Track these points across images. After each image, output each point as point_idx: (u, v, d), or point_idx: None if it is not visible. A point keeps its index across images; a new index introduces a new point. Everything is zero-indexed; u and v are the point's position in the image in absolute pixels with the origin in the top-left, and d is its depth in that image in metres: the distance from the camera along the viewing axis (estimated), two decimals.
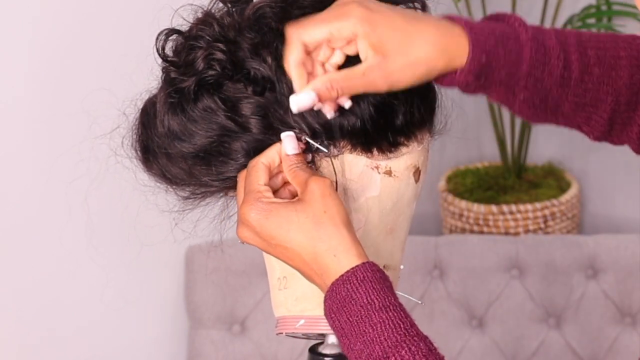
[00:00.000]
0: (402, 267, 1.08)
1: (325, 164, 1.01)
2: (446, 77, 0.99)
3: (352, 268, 0.94)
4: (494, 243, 2.23)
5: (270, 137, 0.99)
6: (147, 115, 1.04)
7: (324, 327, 1.03)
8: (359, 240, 0.96)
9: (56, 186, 1.52)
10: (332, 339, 1.05)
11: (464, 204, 2.51)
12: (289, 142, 0.98)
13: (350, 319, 0.92)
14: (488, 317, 2.21)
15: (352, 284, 0.93)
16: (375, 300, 0.92)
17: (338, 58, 0.96)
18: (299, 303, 1.04)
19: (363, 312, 0.92)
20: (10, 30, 1.85)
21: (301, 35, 0.94)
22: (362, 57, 0.95)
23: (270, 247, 0.97)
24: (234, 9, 1.02)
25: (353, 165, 1.01)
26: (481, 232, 2.49)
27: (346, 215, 0.96)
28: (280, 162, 0.99)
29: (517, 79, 1.00)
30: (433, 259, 2.22)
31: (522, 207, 2.47)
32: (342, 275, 0.93)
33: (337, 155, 1.01)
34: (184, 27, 1.04)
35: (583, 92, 1.03)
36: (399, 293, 1.07)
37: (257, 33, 0.99)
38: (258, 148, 0.99)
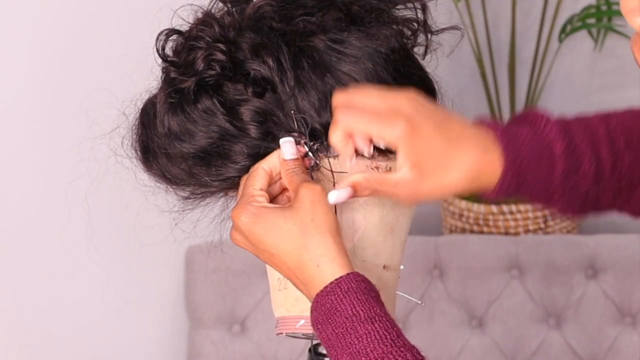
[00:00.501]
0: (402, 267, 1.08)
1: (324, 164, 1.01)
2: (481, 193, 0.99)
3: (336, 279, 0.93)
4: (494, 243, 2.23)
5: (269, 141, 0.99)
6: (147, 116, 1.04)
7: None
8: (345, 249, 0.96)
9: (56, 186, 1.52)
10: None
11: (464, 204, 2.51)
12: (287, 148, 0.98)
13: (335, 330, 0.92)
14: (488, 317, 2.20)
15: (336, 295, 0.92)
16: (361, 312, 0.91)
17: (370, 149, 0.96)
18: (299, 303, 1.04)
19: (348, 324, 0.91)
20: (10, 31, 1.85)
21: (347, 121, 0.94)
22: (397, 164, 0.95)
23: (258, 251, 0.97)
24: (234, 9, 1.02)
25: (353, 166, 1.01)
26: (481, 232, 2.49)
27: (334, 224, 0.95)
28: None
29: (552, 192, 1.00)
30: (433, 259, 2.22)
31: (522, 207, 2.47)
32: (326, 287, 0.93)
33: (337, 156, 1.01)
34: (184, 27, 1.04)
35: (617, 181, 1.03)
36: (399, 293, 1.07)
37: (257, 33, 0.99)
38: (258, 150, 0.99)
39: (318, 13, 0.99)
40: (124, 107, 1.06)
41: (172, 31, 1.03)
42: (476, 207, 2.49)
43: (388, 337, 0.91)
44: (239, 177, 1.01)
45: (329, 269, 0.94)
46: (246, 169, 1.00)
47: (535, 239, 2.26)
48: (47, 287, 1.99)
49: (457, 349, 2.20)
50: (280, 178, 1.00)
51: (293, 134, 0.99)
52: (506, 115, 2.59)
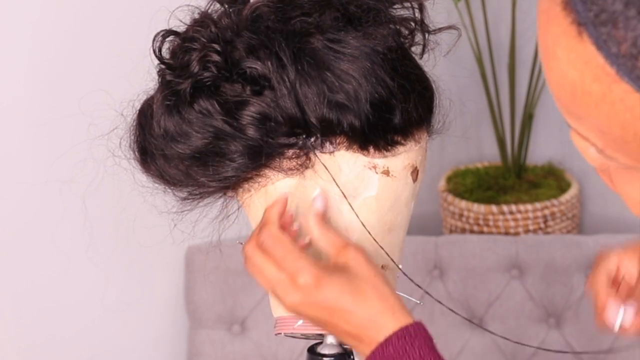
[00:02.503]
0: (400, 267, 1.08)
1: (323, 160, 1.01)
2: None
3: (409, 324, 0.96)
4: (494, 243, 2.23)
5: (267, 140, 0.99)
6: (144, 117, 1.04)
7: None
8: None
9: (55, 188, 1.52)
10: (330, 339, 1.05)
11: (464, 204, 2.51)
12: (320, 200, 1.00)
13: None
14: (488, 317, 2.21)
15: (409, 337, 0.95)
16: (428, 355, 0.94)
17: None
18: None
19: None
20: (9, 32, 1.85)
21: (608, 263, 0.97)
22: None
23: (326, 315, 0.97)
24: (230, 9, 1.02)
25: (351, 165, 1.01)
26: (481, 232, 2.49)
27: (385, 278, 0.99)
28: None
29: None
30: (433, 259, 2.22)
31: (522, 207, 2.47)
32: (400, 329, 0.95)
33: (333, 152, 1.01)
34: (182, 28, 1.04)
35: None
36: (398, 293, 1.07)
37: (254, 34, 0.99)
38: (255, 149, 0.99)
39: (315, 13, 0.99)
40: (122, 108, 1.06)
41: (168, 32, 1.03)
42: (476, 207, 2.49)
43: None
44: (236, 177, 1.01)
45: (402, 316, 0.96)
46: (243, 168, 1.00)
47: (535, 239, 2.26)
48: (47, 288, 1.99)
49: (457, 349, 2.20)
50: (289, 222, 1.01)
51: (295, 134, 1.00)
52: (506, 115, 2.59)
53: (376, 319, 0.96)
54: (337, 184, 1.01)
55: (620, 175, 0.74)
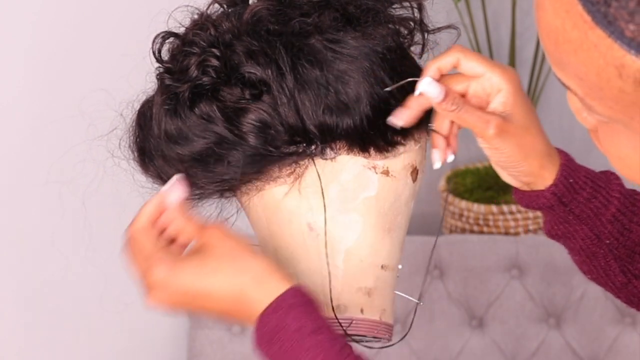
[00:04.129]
0: (400, 267, 1.08)
1: (324, 165, 1.01)
2: (528, 197, 1.03)
3: (281, 295, 0.93)
4: (494, 243, 2.23)
5: (267, 148, 0.99)
6: (144, 117, 1.04)
7: None
8: (277, 262, 0.96)
9: (54, 188, 1.51)
10: None
11: (464, 204, 2.50)
12: (175, 191, 0.98)
13: (282, 347, 0.92)
14: (488, 317, 2.20)
15: (282, 311, 0.92)
16: (308, 324, 0.92)
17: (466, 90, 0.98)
18: None
19: (295, 338, 0.91)
20: (8, 32, 1.85)
21: (460, 52, 0.98)
22: (493, 104, 0.97)
23: (188, 301, 0.95)
24: (230, 10, 1.02)
25: (350, 165, 1.01)
26: (481, 232, 2.49)
27: (249, 246, 0.96)
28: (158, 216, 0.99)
29: (604, 222, 1.02)
30: (433, 259, 2.22)
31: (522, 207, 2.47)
32: (272, 304, 0.93)
33: (333, 158, 1.01)
34: (182, 29, 1.04)
35: None
36: (398, 293, 1.07)
37: (254, 38, 0.99)
38: (255, 156, 0.99)
39: (314, 14, 0.99)
40: (122, 108, 1.06)
41: (168, 34, 1.03)
42: (476, 207, 2.49)
43: (336, 347, 0.92)
44: (236, 180, 1.01)
45: (271, 284, 0.94)
46: (242, 173, 1.00)
47: (535, 239, 2.26)
48: (46, 288, 1.99)
49: (457, 349, 2.20)
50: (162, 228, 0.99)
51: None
52: None
53: (241, 296, 0.94)
54: (336, 185, 1.01)
55: (604, 134, 0.78)
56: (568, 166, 1.02)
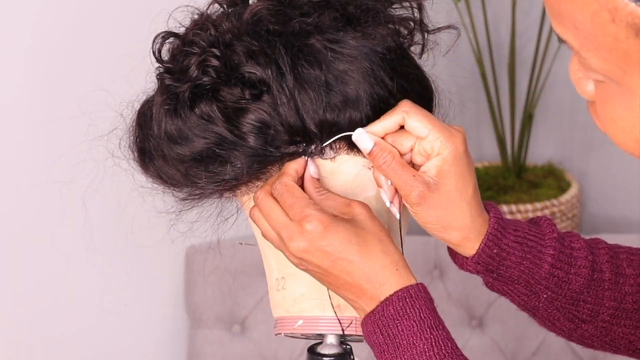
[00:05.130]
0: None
1: (324, 164, 1.01)
2: (459, 259, 1.03)
3: (410, 285, 0.96)
4: None
5: (268, 148, 0.99)
6: (144, 117, 1.04)
7: (322, 327, 1.03)
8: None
9: (54, 189, 1.52)
10: (330, 338, 1.05)
11: None
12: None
13: (401, 332, 0.94)
14: (488, 317, 2.20)
15: (409, 299, 0.95)
16: (429, 318, 0.95)
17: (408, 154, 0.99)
18: (297, 303, 1.04)
19: (415, 327, 0.94)
20: (8, 32, 1.85)
21: (406, 113, 0.97)
22: (426, 167, 0.98)
23: (326, 262, 0.97)
24: (230, 10, 1.02)
25: (350, 165, 1.01)
26: None
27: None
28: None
29: (538, 279, 1.03)
30: (433, 259, 2.22)
31: (522, 207, 2.47)
32: (399, 291, 0.95)
33: (334, 157, 1.01)
34: (182, 29, 1.04)
35: (621, 297, 1.04)
36: None
37: (254, 38, 0.99)
38: (255, 155, 0.99)
39: (314, 14, 0.99)
40: (122, 108, 1.06)
41: (168, 34, 1.03)
42: None
43: (449, 345, 0.94)
44: (235, 180, 1.01)
45: (406, 274, 0.96)
46: (242, 173, 1.00)
47: None
48: (46, 288, 1.99)
49: None
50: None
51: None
52: (506, 115, 2.59)
53: (379, 273, 0.96)
54: (336, 184, 1.01)
55: (599, 98, 0.80)
56: (494, 235, 1.01)
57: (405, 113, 0.97)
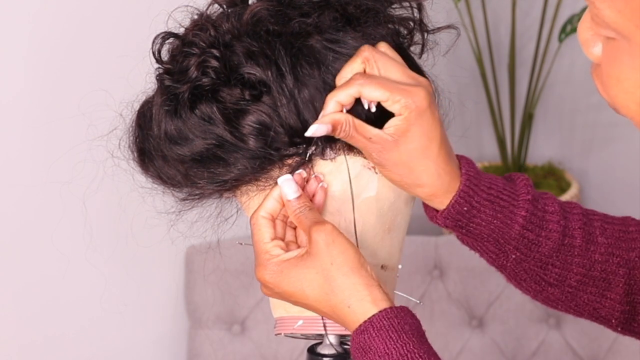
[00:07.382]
0: (400, 266, 1.08)
1: (322, 163, 1.01)
2: (430, 212, 1.03)
3: (369, 318, 0.94)
4: None
5: (268, 150, 0.99)
6: (144, 117, 1.04)
7: (322, 327, 1.03)
8: (376, 280, 0.96)
9: (54, 189, 1.52)
10: (330, 339, 1.05)
11: None
12: (288, 187, 0.99)
13: None
14: (488, 317, 2.21)
15: (369, 334, 0.94)
16: (393, 350, 0.94)
17: (373, 108, 0.97)
18: None
19: None
20: (8, 33, 1.85)
21: (360, 85, 0.95)
22: (387, 125, 0.96)
23: (292, 301, 0.99)
24: (229, 10, 1.02)
25: (350, 166, 1.01)
26: None
27: (355, 259, 0.96)
28: (282, 206, 1.00)
29: (508, 239, 1.02)
30: (433, 259, 2.22)
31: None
32: (360, 325, 0.95)
33: (333, 158, 1.01)
34: (182, 29, 1.03)
35: (590, 264, 1.03)
36: (398, 293, 1.07)
37: (254, 39, 0.98)
38: (255, 158, 0.99)
39: (314, 14, 0.99)
40: (121, 108, 1.06)
41: (168, 34, 1.03)
42: None
43: None
44: (235, 181, 1.01)
45: (359, 308, 0.95)
46: (242, 174, 1.00)
47: None
48: (46, 288, 1.99)
49: (457, 349, 2.20)
50: (283, 218, 1.01)
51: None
52: (506, 115, 2.59)
53: (334, 313, 0.96)
54: (339, 184, 1.01)
55: (606, 57, 0.79)
56: (465, 192, 1.00)
57: (360, 85, 0.95)
